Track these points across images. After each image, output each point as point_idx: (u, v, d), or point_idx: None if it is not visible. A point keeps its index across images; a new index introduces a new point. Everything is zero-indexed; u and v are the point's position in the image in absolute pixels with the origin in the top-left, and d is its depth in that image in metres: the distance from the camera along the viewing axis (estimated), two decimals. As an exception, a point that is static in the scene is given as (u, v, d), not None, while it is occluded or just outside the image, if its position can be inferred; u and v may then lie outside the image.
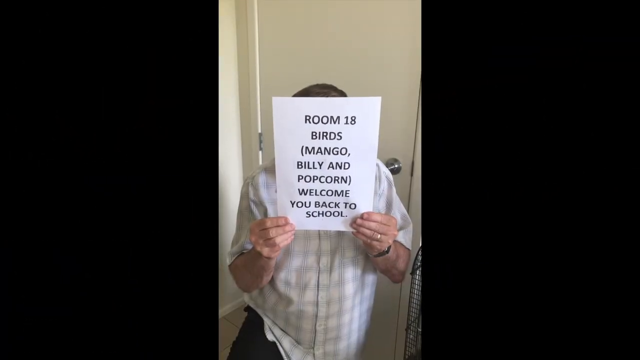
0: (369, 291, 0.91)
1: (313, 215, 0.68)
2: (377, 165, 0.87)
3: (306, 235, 0.82)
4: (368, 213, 0.67)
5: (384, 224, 0.67)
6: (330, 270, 0.83)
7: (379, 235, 0.67)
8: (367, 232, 0.67)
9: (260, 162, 1.62)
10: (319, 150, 0.63)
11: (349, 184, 0.65)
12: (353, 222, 0.68)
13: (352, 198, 0.66)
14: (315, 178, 0.65)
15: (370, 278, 0.90)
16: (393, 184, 0.89)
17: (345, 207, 0.67)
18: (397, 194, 0.91)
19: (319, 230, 0.82)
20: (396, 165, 1.18)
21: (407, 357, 0.78)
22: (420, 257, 0.77)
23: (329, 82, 0.84)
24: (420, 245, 0.74)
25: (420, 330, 0.72)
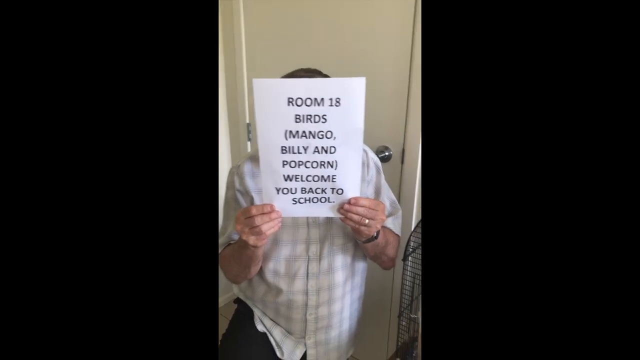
0: (359, 279, 0.90)
1: (299, 202, 0.66)
2: (365, 151, 0.85)
3: (294, 223, 0.81)
4: (355, 198, 0.65)
5: (372, 209, 0.66)
6: (320, 258, 0.82)
7: (366, 221, 0.66)
8: (355, 217, 0.66)
9: (250, 154, 1.60)
10: (304, 134, 0.61)
11: (335, 169, 0.63)
12: (340, 208, 0.66)
13: (339, 183, 0.65)
14: (301, 163, 0.63)
15: (361, 265, 0.89)
16: (382, 170, 0.87)
17: (332, 192, 0.65)
18: (388, 182, 0.90)
19: (307, 218, 0.81)
20: (387, 153, 1.17)
21: (399, 344, 0.78)
22: (412, 244, 0.76)
23: (315, 66, 0.81)
24: (412, 231, 0.73)
25: (413, 316, 0.72)
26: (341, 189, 0.65)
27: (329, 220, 0.81)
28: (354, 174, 0.64)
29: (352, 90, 0.59)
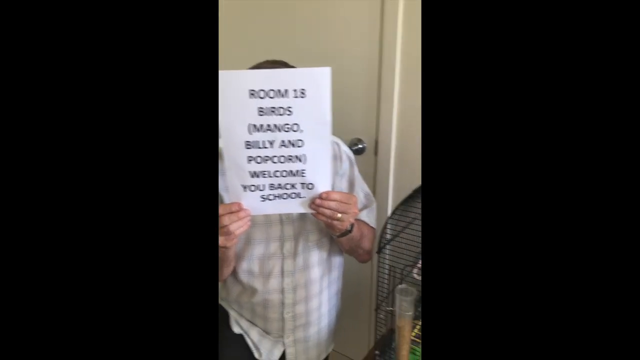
0: (336, 273, 0.89)
1: (268, 199, 0.64)
2: (337, 144, 0.83)
3: (267, 221, 0.78)
4: (327, 192, 0.64)
5: (344, 203, 0.65)
6: (295, 255, 0.80)
7: (339, 215, 0.65)
8: (327, 212, 0.64)
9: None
10: (269, 128, 0.58)
11: (304, 163, 0.61)
12: (312, 203, 0.64)
13: (309, 177, 0.63)
14: (267, 158, 0.60)
15: (337, 260, 0.88)
16: (355, 162, 0.86)
17: (302, 187, 0.63)
18: (363, 174, 0.89)
19: (280, 215, 0.78)
20: (360, 145, 1.16)
21: (378, 337, 0.77)
22: (388, 236, 0.76)
23: (285, 59, 0.79)
24: (385, 222, 0.72)
25: (390, 309, 0.71)
26: (311, 184, 0.63)
27: (302, 215, 0.79)
28: (323, 167, 0.63)
29: (317, 81, 0.57)
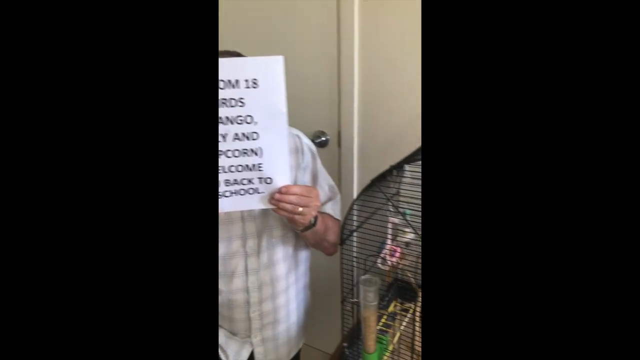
0: (303, 268, 0.88)
1: (225, 196, 0.61)
2: (298, 136, 0.82)
3: (228, 219, 0.75)
4: (286, 186, 0.62)
5: (305, 196, 0.63)
6: (259, 252, 0.78)
7: (300, 209, 0.63)
8: (288, 206, 0.62)
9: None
10: (220, 120, 0.55)
11: (260, 157, 0.59)
12: (271, 198, 0.62)
13: (267, 172, 0.60)
14: (221, 153, 0.58)
15: (303, 254, 0.86)
16: (317, 155, 0.85)
17: (260, 182, 0.61)
18: (328, 167, 0.88)
19: (241, 212, 0.76)
20: (323, 138, 1.15)
21: (346, 330, 0.77)
22: (354, 227, 0.75)
23: (243, 53, 0.75)
24: (347, 213, 0.71)
25: (354, 300, 0.71)
26: (270, 178, 0.61)
27: (265, 211, 0.77)
28: (281, 160, 0.61)
29: (270, 70, 0.54)
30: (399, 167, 0.63)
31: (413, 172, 0.65)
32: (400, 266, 0.73)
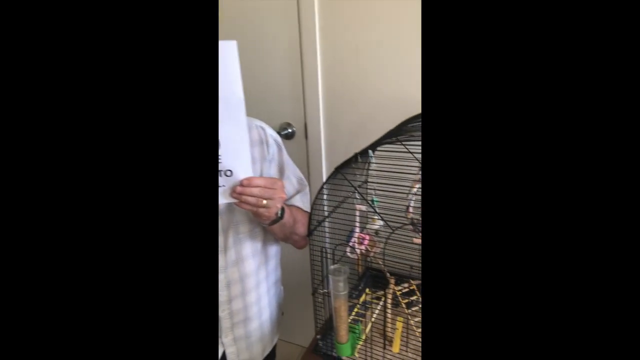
0: (273, 263, 0.86)
1: None
2: (263, 128, 0.79)
3: (190, 216, 0.72)
4: (248, 179, 0.59)
5: (269, 188, 0.61)
6: (225, 249, 0.75)
7: (264, 201, 0.61)
8: (251, 199, 0.60)
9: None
10: None
11: (219, 148, 0.56)
12: (233, 192, 0.60)
13: (226, 163, 0.58)
14: None
15: (273, 249, 0.84)
16: (283, 147, 0.83)
17: (220, 175, 0.58)
18: (295, 158, 0.86)
19: None
20: (290, 130, 1.13)
21: (319, 322, 0.76)
22: (322, 217, 0.74)
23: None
24: (311, 207, 0.70)
25: (323, 291, 0.70)
26: (230, 170, 0.58)
27: (230, 206, 0.74)
28: (242, 151, 0.58)
29: (223, 56, 0.52)
30: (362, 153, 0.62)
31: (380, 161, 0.65)
32: (372, 254, 0.73)
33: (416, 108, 0.86)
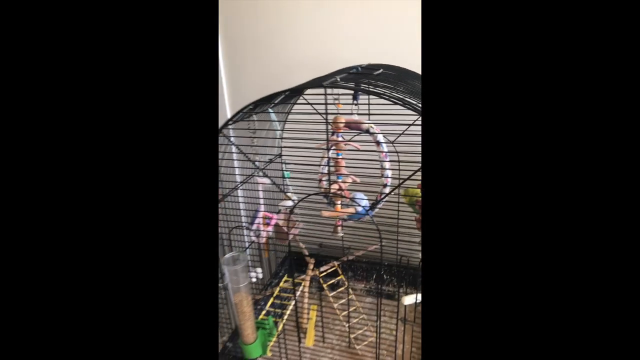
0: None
1: None
2: None
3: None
4: None
5: None
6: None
7: None
8: None
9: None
10: None
11: None
12: None
13: None
14: None
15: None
16: None
17: None
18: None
19: None
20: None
21: (224, 322, 0.64)
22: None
23: None
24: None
25: (223, 284, 0.59)
26: None
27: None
28: None
29: None
30: (259, 106, 0.50)
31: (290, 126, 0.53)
32: (291, 237, 0.63)
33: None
